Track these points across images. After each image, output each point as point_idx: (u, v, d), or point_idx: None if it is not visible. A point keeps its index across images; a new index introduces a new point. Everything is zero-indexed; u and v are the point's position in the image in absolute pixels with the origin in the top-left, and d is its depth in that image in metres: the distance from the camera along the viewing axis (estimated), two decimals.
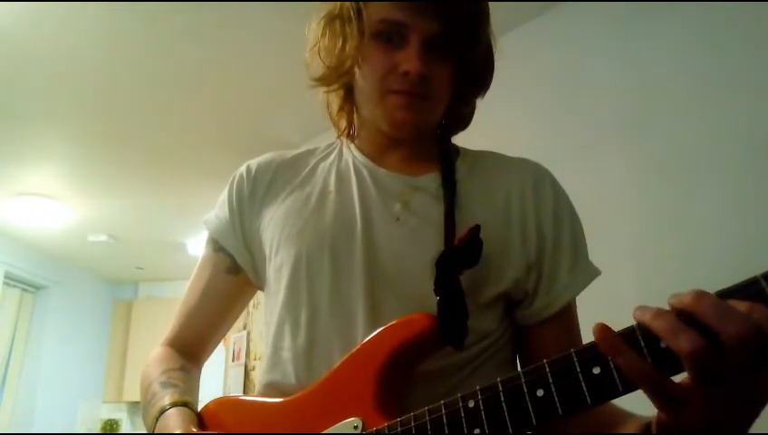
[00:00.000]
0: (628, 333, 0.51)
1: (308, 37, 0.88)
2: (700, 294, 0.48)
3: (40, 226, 4.75)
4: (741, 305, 0.47)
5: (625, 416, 0.67)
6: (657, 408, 0.52)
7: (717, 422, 0.50)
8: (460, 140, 0.95)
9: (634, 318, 0.51)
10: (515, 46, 2.36)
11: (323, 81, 0.87)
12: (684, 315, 0.48)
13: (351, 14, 0.81)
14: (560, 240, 0.82)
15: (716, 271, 1.67)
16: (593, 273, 0.83)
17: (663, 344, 0.49)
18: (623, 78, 2.13)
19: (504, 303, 0.81)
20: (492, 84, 0.90)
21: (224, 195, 0.94)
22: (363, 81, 0.83)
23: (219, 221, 0.92)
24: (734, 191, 1.76)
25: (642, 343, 0.50)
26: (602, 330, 0.51)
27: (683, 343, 0.46)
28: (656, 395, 0.50)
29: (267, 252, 0.86)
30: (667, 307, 0.51)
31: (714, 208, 1.79)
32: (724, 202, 1.78)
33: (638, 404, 0.61)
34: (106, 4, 2.38)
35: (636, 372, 0.49)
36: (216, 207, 0.94)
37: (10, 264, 5.16)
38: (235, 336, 4.03)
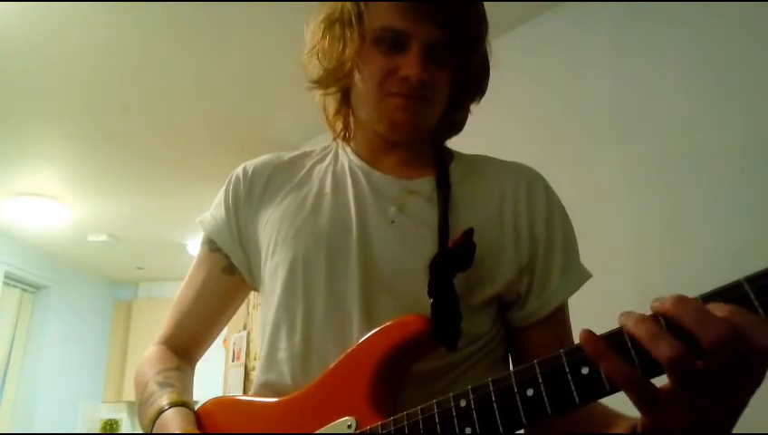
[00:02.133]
0: (615, 335, 0.52)
1: (306, 39, 0.88)
2: (680, 299, 0.49)
3: (40, 226, 4.75)
4: (722, 309, 0.47)
5: (615, 417, 0.68)
6: (639, 411, 0.53)
7: (697, 426, 0.50)
8: (459, 140, 0.96)
9: (619, 323, 0.52)
10: (515, 46, 2.36)
11: (321, 83, 0.87)
12: (665, 320, 0.49)
13: (352, 17, 0.82)
14: (552, 243, 0.82)
15: (715, 273, 1.67)
16: (585, 276, 0.84)
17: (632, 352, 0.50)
18: (623, 78, 2.13)
19: (496, 305, 0.81)
20: (491, 85, 0.91)
21: (220, 195, 0.94)
22: (362, 83, 0.83)
23: (215, 221, 0.92)
24: (733, 193, 1.76)
25: (629, 345, 0.51)
26: (587, 336, 0.52)
27: (662, 349, 0.47)
28: (637, 398, 0.51)
29: (263, 253, 0.87)
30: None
31: (712, 210, 1.79)
32: (722, 204, 1.78)
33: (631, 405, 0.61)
34: (106, 4, 2.38)
35: (618, 376, 0.50)
36: (212, 208, 0.95)
37: (10, 264, 5.16)
38: (235, 336, 4.04)
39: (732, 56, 1.86)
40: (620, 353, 0.50)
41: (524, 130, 2.36)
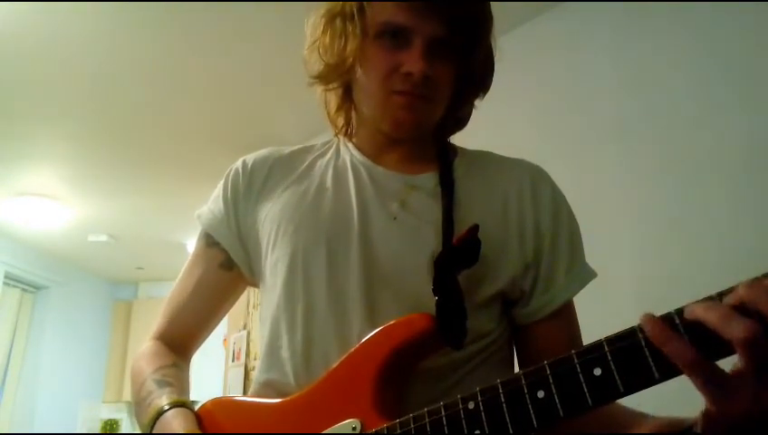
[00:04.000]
0: (670, 319, 0.51)
1: (306, 33, 0.87)
2: (751, 283, 0.48)
3: (40, 226, 4.74)
4: None
5: (638, 417, 0.67)
6: (706, 397, 0.51)
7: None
8: (459, 139, 0.95)
9: (689, 314, 0.50)
10: (515, 46, 2.35)
11: (323, 79, 0.86)
12: (737, 307, 0.48)
13: (354, 12, 0.80)
14: (558, 241, 0.82)
15: (716, 272, 1.68)
16: (590, 274, 0.84)
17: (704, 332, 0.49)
18: (623, 78, 2.12)
19: (500, 302, 0.81)
20: (492, 84, 0.90)
21: (218, 189, 0.93)
22: (365, 79, 0.82)
23: (213, 216, 0.91)
24: (734, 191, 1.76)
25: (681, 330, 0.50)
26: (650, 319, 0.51)
27: (736, 330, 0.47)
28: (705, 383, 0.50)
29: (263, 248, 0.86)
30: (664, 307, 0.51)
31: (713, 209, 1.79)
32: (724, 202, 1.77)
33: (642, 403, 0.61)
34: (106, 4, 2.37)
35: (685, 360, 0.49)
36: (210, 202, 0.93)
37: (10, 264, 5.16)
38: (235, 336, 4.03)
39: (732, 56, 1.86)
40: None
41: (524, 130, 2.35)
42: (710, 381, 0.49)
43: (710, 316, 0.48)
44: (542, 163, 0.90)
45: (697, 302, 0.50)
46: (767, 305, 0.47)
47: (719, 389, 0.50)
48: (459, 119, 0.92)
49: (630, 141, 2.04)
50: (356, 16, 0.80)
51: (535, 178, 0.86)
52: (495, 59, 0.89)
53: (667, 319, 0.51)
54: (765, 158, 1.72)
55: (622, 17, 2.17)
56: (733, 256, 1.68)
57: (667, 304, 0.52)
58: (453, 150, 0.91)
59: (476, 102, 0.91)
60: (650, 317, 0.51)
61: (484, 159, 0.90)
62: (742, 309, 0.48)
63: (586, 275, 0.83)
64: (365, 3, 0.80)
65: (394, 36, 0.78)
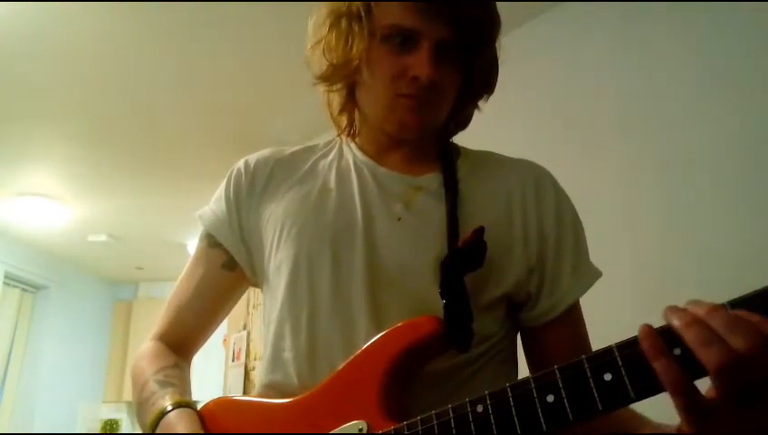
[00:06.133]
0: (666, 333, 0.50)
1: (309, 33, 0.86)
2: (713, 308, 0.48)
3: (40, 226, 4.74)
4: (753, 317, 0.47)
5: (641, 424, 0.66)
6: (683, 419, 0.51)
7: None
8: (460, 140, 0.95)
9: (665, 319, 0.50)
10: (515, 47, 2.34)
11: (327, 79, 0.85)
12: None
13: (361, 12, 0.80)
14: (562, 242, 0.81)
15: (717, 271, 1.68)
16: (596, 274, 0.83)
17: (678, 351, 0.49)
18: (623, 78, 2.12)
19: (505, 304, 0.80)
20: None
21: (220, 190, 0.92)
22: (371, 81, 0.81)
23: (216, 216, 0.90)
24: (735, 192, 1.76)
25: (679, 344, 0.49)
26: (648, 332, 0.50)
27: (712, 355, 0.46)
28: (684, 406, 0.49)
29: (266, 249, 0.85)
30: (664, 307, 0.51)
31: (712, 210, 1.79)
32: (722, 203, 1.77)
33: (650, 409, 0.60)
34: (106, 4, 2.37)
35: (670, 380, 0.49)
36: (212, 202, 0.93)
37: (10, 264, 5.15)
38: (235, 336, 4.03)
39: (731, 56, 1.85)
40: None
41: (524, 130, 2.35)
42: (690, 404, 0.49)
43: (689, 334, 0.48)
44: (541, 163, 0.90)
45: (676, 310, 0.50)
46: (724, 332, 0.46)
47: (696, 412, 0.49)
48: (462, 119, 0.91)
49: (630, 141, 2.04)
50: (363, 17, 0.79)
51: (538, 178, 0.85)
52: (501, 59, 0.88)
53: (665, 332, 0.50)
54: (763, 157, 1.72)
55: (622, 17, 2.17)
56: (733, 256, 1.68)
57: (667, 305, 0.52)
58: (455, 151, 0.91)
59: (483, 102, 0.90)
60: (648, 329, 0.50)
61: (486, 160, 0.90)
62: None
63: (592, 275, 0.83)
64: (372, 3, 0.79)
65: (401, 40, 0.78)
